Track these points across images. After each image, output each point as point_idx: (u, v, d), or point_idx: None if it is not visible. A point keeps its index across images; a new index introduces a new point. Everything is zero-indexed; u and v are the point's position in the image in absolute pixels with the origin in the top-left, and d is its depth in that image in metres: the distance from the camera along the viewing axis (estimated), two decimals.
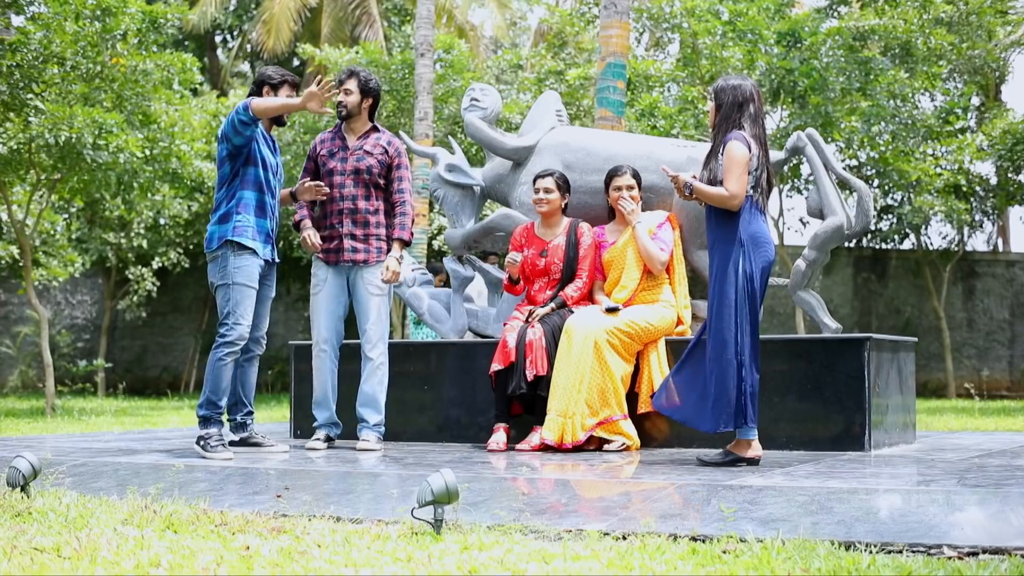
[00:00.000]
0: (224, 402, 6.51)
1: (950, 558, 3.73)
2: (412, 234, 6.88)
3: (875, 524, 4.15)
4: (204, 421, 6.44)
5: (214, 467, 5.81)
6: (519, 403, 6.83)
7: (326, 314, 6.90)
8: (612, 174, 7.04)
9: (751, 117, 5.81)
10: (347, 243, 6.81)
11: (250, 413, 6.78)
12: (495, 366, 6.72)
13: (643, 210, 7.12)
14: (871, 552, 3.77)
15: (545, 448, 6.58)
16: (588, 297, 7.05)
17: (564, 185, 7.11)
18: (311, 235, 6.81)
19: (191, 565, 3.54)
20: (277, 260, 6.82)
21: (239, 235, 6.47)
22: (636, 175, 7.01)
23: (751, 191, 5.74)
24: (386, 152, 6.87)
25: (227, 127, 6.56)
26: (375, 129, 6.96)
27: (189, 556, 3.68)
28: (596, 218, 7.28)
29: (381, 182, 6.86)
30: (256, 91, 6.81)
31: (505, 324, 6.94)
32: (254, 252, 6.53)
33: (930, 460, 5.99)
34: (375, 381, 6.83)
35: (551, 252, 7.05)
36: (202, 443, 6.35)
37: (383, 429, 6.89)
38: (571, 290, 6.99)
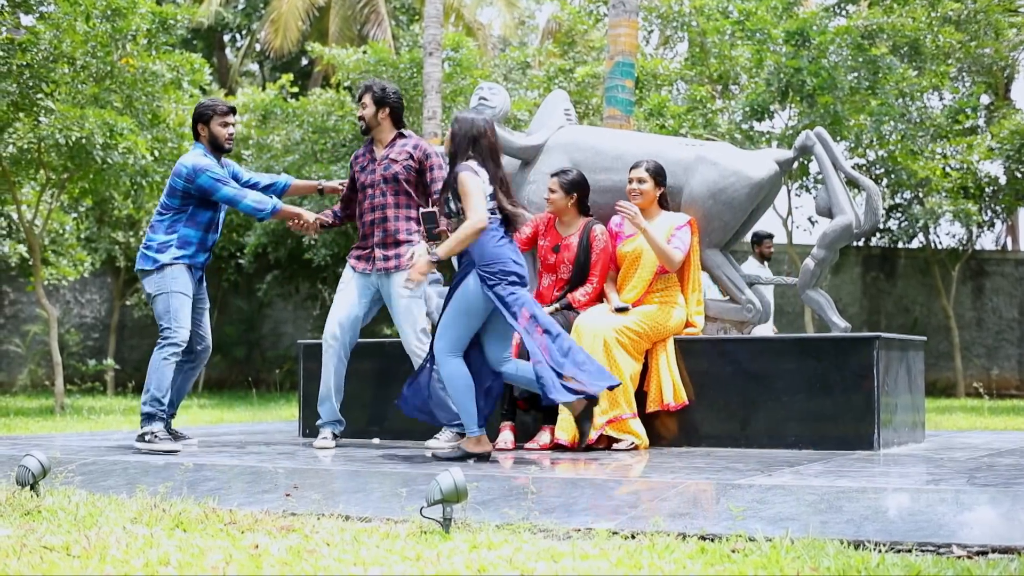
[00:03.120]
0: (167, 399, 6.79)
1: (959, 557, 3.72)
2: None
3: (884, 523, 4.15)
4: (148, 417, 6.72)
5: (222, 466, 5.82)
6: (524, 400, 6.83)
7: (340, 310, 6.91)
8: (632, 167, 7.04)
9: (486, 151, 6.04)
10: (378, 252, 6.87)
11: (173, 415, 7.07)
12: None
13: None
14: (880, 551, 3.77)
15: (553, 447, 6.58)
16: (598, 299, 7.04)
17: (570, 185, 7.02)
18: (308, 216, 7.03)
19: (200, 564, 3.55)
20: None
21: (175, 261, 6.77)
22: (656, 172, 6.96)
23: (490, 217, 5.96)
24: (411, 156, 6.88)
25: (206, 182, 6.74)
26: (400, 136, 6.97)
27: (198, 555, 3.69)
28: (603, 217, 7.26)
29: (409, 188, 6.88)
30: (194, 130, 6.96)
31: None
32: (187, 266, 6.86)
33: (939, 459, 5.99)
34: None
35: (563, 249, 7.04)
36: (147, 438, 6.64)
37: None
38: (580, 294, 6.98)
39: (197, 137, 6.97)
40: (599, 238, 7.02)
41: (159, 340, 6.76)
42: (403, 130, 6.98)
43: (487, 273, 5.86)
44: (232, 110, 6.98)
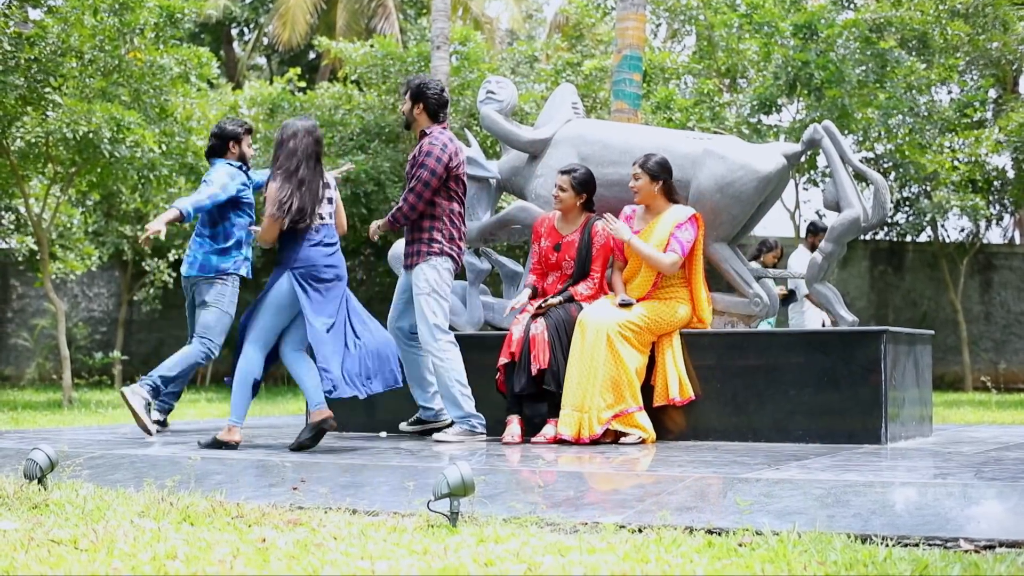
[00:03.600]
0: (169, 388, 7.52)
1: (967, 551, 3.71)
2: (391, 223, 6.92)
3: (891, 517, 4.15)
4: (153, 389, 7.26)
5: (230, 459, 5.83)
6: (529, 395, 6.82)
7: (392, 305, 7.19)
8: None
9: (287, 153, 6.32)
10: (405, 248, 6.98)
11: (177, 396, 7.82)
12: (502, 360, 6.75)
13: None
14: (887, 545, 3.76)
15: (561, 441, 6.58)
16: (600, 293, 7.03)
17: (581, 185, 7.05)
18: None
19: (207, 557, 3.55)
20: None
21: (240, 268, 7.49)
22: (650, 168, 6.92)
23: (295, 224, 6.30)
24: (415, 157, 6.83)
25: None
26: (423, 134, 6.92)
27: (205, 548, 3.69)
28: (612, 211, 7.25)
29: None
30: (221, 145, 7.56)
31: (517, 317, 6.96)
32: (242, 280, 7.57)
33: (947, 453, 5.98)
34: (440, 378, 6.80)
35: (564, 248, 7.04)
36: (142, 406, 7.16)
37: (471, 422, 6.84)
38: (583, 288, 6.98)
39: (224, 153, 7.54)
40: (599, 234, 7.02)
41: (202, 342, 7.41)
42: (427, 127, 6.91)
43: (297, 275, 6.28)
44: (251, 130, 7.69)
